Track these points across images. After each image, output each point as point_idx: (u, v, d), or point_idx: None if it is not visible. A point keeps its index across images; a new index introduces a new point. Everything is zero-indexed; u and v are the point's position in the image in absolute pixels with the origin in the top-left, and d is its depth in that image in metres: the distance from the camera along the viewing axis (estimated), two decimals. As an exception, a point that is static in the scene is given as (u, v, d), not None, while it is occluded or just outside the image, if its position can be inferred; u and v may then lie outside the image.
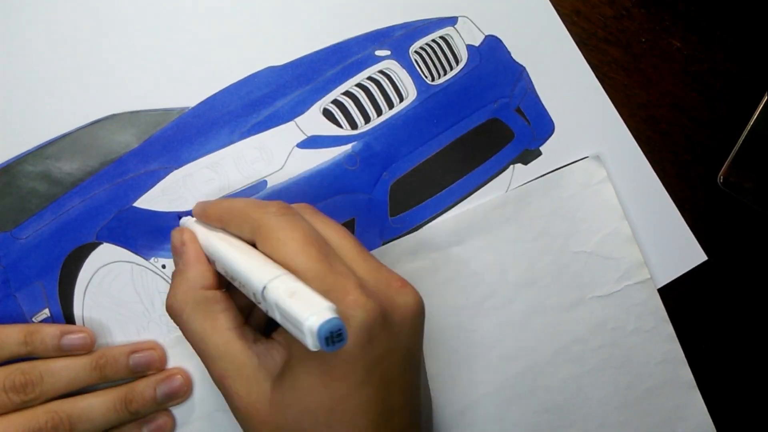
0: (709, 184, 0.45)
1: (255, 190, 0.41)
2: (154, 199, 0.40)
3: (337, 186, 0.41)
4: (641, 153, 0.44)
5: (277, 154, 0.41)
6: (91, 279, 0.41)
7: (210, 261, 0.36)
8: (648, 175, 0.44)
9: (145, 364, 0.40)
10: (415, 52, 0.42)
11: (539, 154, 0.43)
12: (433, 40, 0.42)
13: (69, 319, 0.41)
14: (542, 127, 0.43)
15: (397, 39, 0.42)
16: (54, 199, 0.40)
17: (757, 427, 0.47)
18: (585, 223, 0.43)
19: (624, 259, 0.44)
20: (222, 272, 0.35)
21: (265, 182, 0.41)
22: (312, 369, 0.32)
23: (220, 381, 0.34)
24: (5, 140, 0.38)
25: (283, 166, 0.41)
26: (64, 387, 0.38)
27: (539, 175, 0.43)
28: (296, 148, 0.41)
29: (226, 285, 0.37)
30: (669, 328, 0.44)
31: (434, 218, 0.43)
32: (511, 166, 0.43)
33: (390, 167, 0.42)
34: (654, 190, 0.44)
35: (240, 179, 0.41)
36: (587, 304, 0.44)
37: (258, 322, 0.38)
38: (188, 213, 0.40)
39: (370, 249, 0.42)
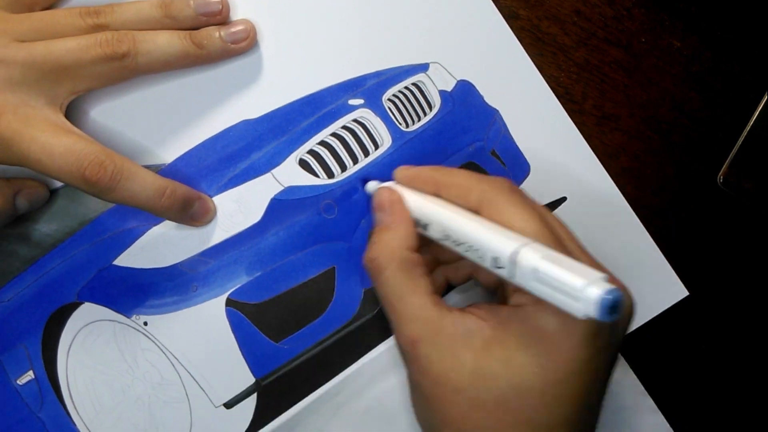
0: (709, 184, 0.45)
1: (233, 245, 0.41)
2: (133, 257, 0.41)
3: (316, 235, 0.42)
4: (617, 190, 0.44)
5: (255, 206, 0.41)
6: (74, 339, 0.41)
7: (418, 225, 0.36)
8: (625, 211, 0.44)
9: (208, 12, 0.38)
10: (389, 99, 0.43)
11: (516, 195, 0.44)
12: (406, 87, 0.43)
13: (54, 380, 0.41)
14: (518, 168, 0.44)
15: (369, 87, 0.42)
16: (34, 261, 0.40)
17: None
18: None
19: None
20: (439, 236, 0.35)
21: (244, 234, 0.41)
22: (530, 348, 0.31)
23: (411, 344, 0.33)
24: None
25: (262, 217, 0.41)
26: (132, 17, 0.37)
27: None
28: (274, 200, 0.41)
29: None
30: (649, 401, 0.45)
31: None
32: (489, 209, 0.44)
33: (368, 215, 0.42)
34: (632, 227, 0.45)
35: (218, 233, 0.41)
36: None
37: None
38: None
39: (353, 297, 0.42)
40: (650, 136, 0.45)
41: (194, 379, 0.41)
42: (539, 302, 0.30)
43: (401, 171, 0.39)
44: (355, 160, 0.42)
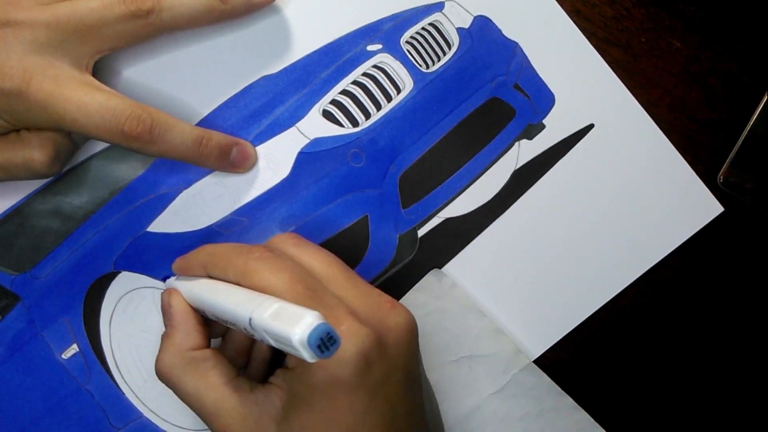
0: (709, 184, 0.45)
1: (265, 202, 0.41)
2: (167, 222, 0.41)
3: (346, 185, 0.42)
4: (645, 113, 0.44)
5: (283, 161, 0.41)
6: (114, 309, 0.41)
7: (199, 312, 0.36)
8: (654, 134, 0.45)
9: None
10: (407, 42, 0.42)
11: (543, 127, 0.44)
12: (423, 28, 0.43)
13: (99, 351, 0.41)
14: (542, 100, 0.44)
15: (387, 32, 0.42)
16: (68, 235, 0.41)
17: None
18: (453, 330, 0.44)
19: (501, 351, 0.45)
20: (214, 318, 0.35)
21: (274, 190, 0.41)
22: (315, 405, 0.32)
23: None
24: (14, 181, 0.39)
25: (290, 172, 0.41)
26: None
27: (546, 147, 0.44)
28: (301, 153, 0.41)
29: (221, 335, 0.38)
30: (569, 400, 0.45)
31: (447, 204, 0.43)
32: (517, 142, 0.44)
33: (396, 160, 0.42)
34: (662, 147, 0.45)
35: (250, 191, 0.41)
36: (488, 402, 0.45)
37: (259, 367, 0.39)
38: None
39: (388, 243, 0.43)
40: (650, 136, 0.45)
41: (238, 338, 0.41)
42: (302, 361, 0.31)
43: (176, 263, 0.38)
44: (378, 107, 0.42)
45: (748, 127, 0.44)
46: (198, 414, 0.35)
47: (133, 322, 0.41)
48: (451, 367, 0.44)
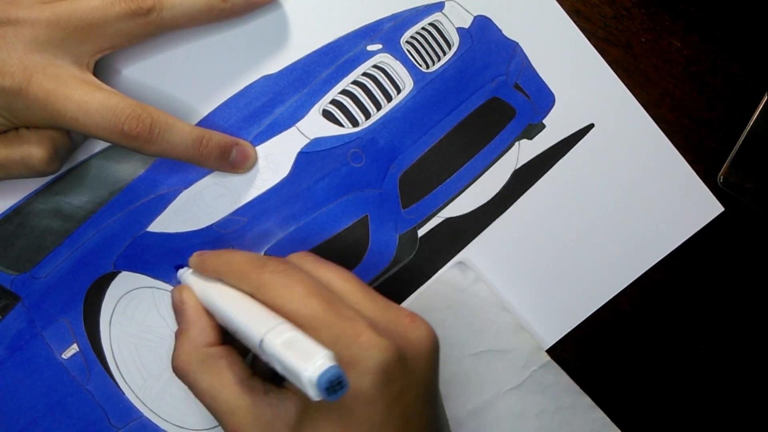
0: (709, 184, 0.45)
1: (265, 201, 0.41)
2: (167, 222, 0.41)
3: (346, 185, 0.42)
4: (645, 113, 0.44)
5: (283, 160, 0.42)
6: (114, 309, 0.41)
7: (210, 314, 0.37)
8: (654, 133, 0.45)
9: None
10: (407, 42, 0.43)
11: (543, 127, 0.44)
12: (423, 28, 0.43)
13: (99, 351, 0.41)
14: (543, 100, 0.44)
15: (387, 32, 0.42)
16: (68, 235, 0.41)
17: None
18: (474, 324, 0.44)
19: (521, 347, 0.45)
20: (222, 325, 0.36)
21: (274, 190, 0.41)
22: (331, 415, 0.32)
23: None
24: (14, 181, 0.39)
25: (290, 171, 0.42)
26: None
27: (547, 147, 0.44)
28: (301, 153, 0.42)
29: (231, 335, 0.38)
30: (587, 399, 0.46)
31: (447, 204, 0.43)
32: (517, 142, 0.44)
33: (396, 160, 0.43)
34: (662, 147, 0.45)
35: (249, 191, 0.41)
36: (504, 398, 0.45)
37: (268, 369, 0.39)
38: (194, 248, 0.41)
39: (388, 243, 0.43)
40: (650, 136, 0.46)
41: (239, 337, 0.41)
42: None
43: (193, 258, 0.38)
44: (378, 107, 0.42)
45: (748, 127, 0.44)
46: (211, 412, 0.35)
47: (133, 322, 0.42)
48: (469, 361, 0.45)
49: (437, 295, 0.44)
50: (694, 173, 0.45)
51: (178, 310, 0.37)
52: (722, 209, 0.45)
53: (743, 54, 0.45)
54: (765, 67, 0.45)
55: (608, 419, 0.46)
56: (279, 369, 0.30)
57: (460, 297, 0.44)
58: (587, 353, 0.46)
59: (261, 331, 0.31)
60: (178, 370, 0.36)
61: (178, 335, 0.36)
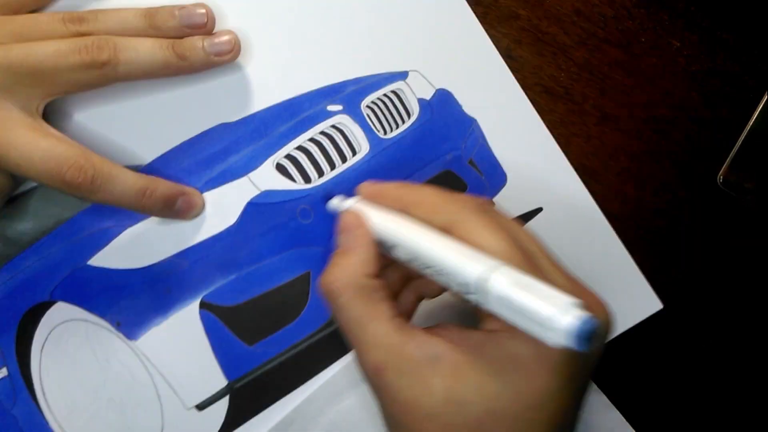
0: (709, 184, 0.45)
1: (209, 247, 0.42)
2: (108, 257, 0.41)
3: (292, 240, 0.42)
4: (593, 201, 0.45)
5: (231, 209, 0.42)
6: (47, 337, 0.42)
7: (383, 246, 0.35)
8: (599, 222, 0.45)
9: (192, 24, 0.38)
10: (367, 106, 0.43)
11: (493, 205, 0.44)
12: (385, 95, 0.43)
13: (27, 378, 0.42)
14: (495, 178, 0.44)
15: (349, 94, 0.43)
16: (9, 259, 0.41)
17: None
18: None
19: None
20: (405, 258, 0.34)
21: (219, 237, 0.42)
22: (503, 375, 0.31)
23: (376, 372, 0.33)
24: (-42, 205, 0.39)
25: (237, 220, 0.42)
26: (115, 26, 0.37)
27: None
28: (250, 203, 0.42)
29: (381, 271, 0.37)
30: (603, 398, 0.45)
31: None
32: (465, 218, 0.44)
33: (344, 220, 0.43)
34: (607, 238, 0.45)
35: (195, 236, 0.42)
36: None
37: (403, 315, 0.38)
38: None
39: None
40: (650, 136, 0.46)
41: (166, 381, 0.41)
42: (512, 329, 0.30)
43: (366, 186, 0.38)
44: (332, 166, 0.43)
45: (748, 127, 0.44)
46: (354, 342, 0.34)
47: (64, 353, 0.42)
48: None
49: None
50: (637, 267, 0.45)
51: (348, 229, 0.36)
52: (661, 306, 0.45)
53: (743, 54, 0.45)
54: (765, 67, 0.45)
55: (624, 419, 0.45)
56: (504, 312, 0.29)
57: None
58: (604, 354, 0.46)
59: (481, 269, 0.29)
60: (331, 290, 0.34)
61: (338, 255, 0.35)
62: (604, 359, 0.44)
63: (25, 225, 0.41)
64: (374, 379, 0.33)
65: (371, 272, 0.35)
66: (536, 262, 0.33)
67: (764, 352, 0.47)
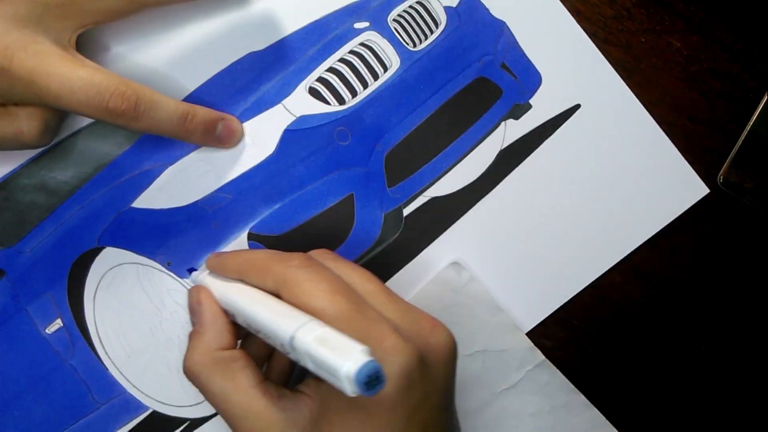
0: (709, 184, 0.46)
1: (250, 179, 0.41)
2: (151, 198, 0.41)
3: (332, 163, 0.42)
4: (632, 94, 0.45)
5: (268, 138, 0.42)
6: (98, 284, 0.42)
7: (228, 314, 0.36)
8: (640, 114, 0.45)
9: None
10: (394, 20, 0.43)
11: (529, 107, 0.44)
12: (410, 6, 0.43)
13: (82, 327, 0.42)
14: (529, 80, 0.44)
15: (374, 9, 0.42)
16: (53, 210, 0.41)
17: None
18: (469, 324, 0.45)
19: (515, 347, 0.45)
20: (244, 325, 0.35)
21: (260, 167, 0.42)
22: (351, 420, 0.32)
23: None
24: (-2, 156, 0.39)
25: (276, 149, 0.42)
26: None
27: (533, 127, 0.44)
28: (287, 131, 0.42)
29: (243, 336, 0.38)
30: (581, 398, 0.46)
31: (433, 183, 0.43)
32: (503, 122, 0.44)
33: (382, 138, 0.43)
34: (648, 129, 0.45)
35: (235, 168, 0.42)
36: (499, 398, 0.46)
37: (279, 374, 0.39)
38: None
39: (374, 222, 0.43)
40: (650, 136, 0.46)
41: (223, 314, 0.41)
42: None
43: (211, 259, 0.38)
44: (365, 85, 0.42)
45: (748, 127, 0.45)
46: (223, 416, 0.35)
47: (117, 298, 0.42)
48: (464, 362, 0.45)
49: (432, 295, 0.44)
50: (680, 154, 0.45)
51: (195, 310, 0.37)
52: (707, 190, 0.46)
53: (743, 54, 0.45)
54: (765, 67, 0.45)
55: (603, 417, 0.46)
56: (310, 367, 0.30)
57: (454, 297, 0.44)
58: (585, 353, 0.47)
59: (291, 328, 0.30)
60: (190, 372, 0.35)
61: (192, 336, 0.36)
62: (585, 359, 0.46)
63: (65, 174, 0.41)
64: None
65: (226, 344, 0.35)
66: (363, 305, 0.33)
67: (764, 352, 0.48)
